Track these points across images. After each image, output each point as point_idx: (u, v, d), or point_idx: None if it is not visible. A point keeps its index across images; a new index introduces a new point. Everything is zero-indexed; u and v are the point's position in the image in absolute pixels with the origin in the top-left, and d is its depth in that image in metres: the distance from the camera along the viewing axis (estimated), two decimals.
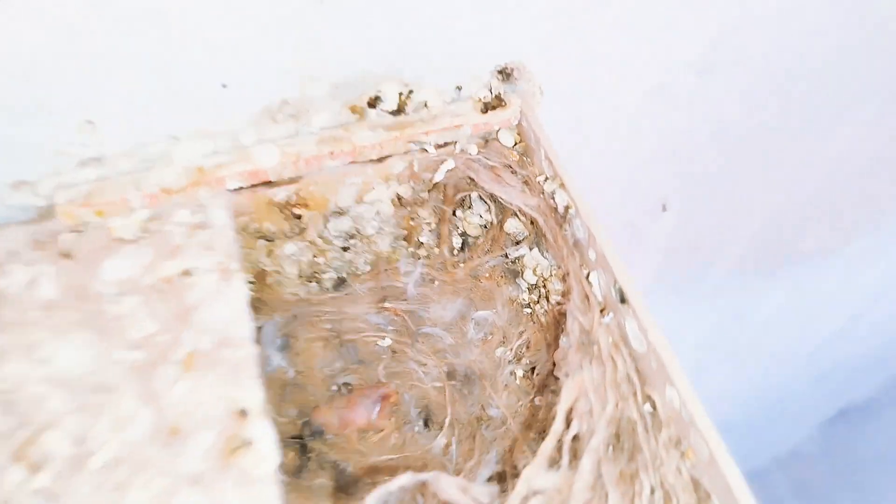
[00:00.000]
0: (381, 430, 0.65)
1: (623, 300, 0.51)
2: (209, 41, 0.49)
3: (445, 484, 0.46)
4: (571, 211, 0.55)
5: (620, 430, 0.49)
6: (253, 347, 0.48)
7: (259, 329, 0.66)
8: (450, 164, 0.60)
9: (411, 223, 0.67)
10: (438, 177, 0.61)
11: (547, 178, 0.58)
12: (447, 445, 0.63)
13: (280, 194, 0.59)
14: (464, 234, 0.67)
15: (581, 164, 0.74)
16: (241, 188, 0.57)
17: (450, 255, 0.68)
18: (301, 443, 0.63)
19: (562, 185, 0.56)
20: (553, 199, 0.57)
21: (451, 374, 0.66)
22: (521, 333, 0.66)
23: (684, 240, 0.92)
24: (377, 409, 0.65)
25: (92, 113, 0.51)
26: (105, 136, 0.53)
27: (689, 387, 0.47)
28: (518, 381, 0.65)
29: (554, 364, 0.62)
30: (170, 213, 0.54)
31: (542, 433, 0.61)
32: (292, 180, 0.59)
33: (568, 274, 0.55)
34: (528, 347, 0.65)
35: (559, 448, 0.48)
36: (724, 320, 1.21)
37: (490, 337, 0.67)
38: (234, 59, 0.51)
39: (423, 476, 0.47)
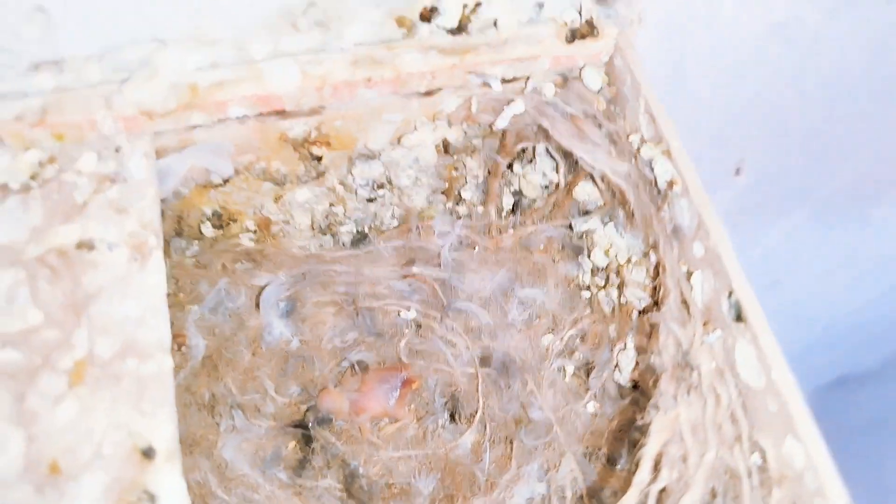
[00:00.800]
0: (398, 420, 0.54)
1: (739, 317, 0.39)
2: None
3: None
4: (676, 188, 0.42)
5: (718, 485, 0.38)
6: (168, 361, 0.35)
7: (261, 290, 0.54)
8: (518, 106, 0.46)
9: (454, 174, 0.53)
10: (501, 122, 0.47)
11: (644, 141, 0.45)
12: (477, 446, 0.53)
13: (296, 128, 0.45)
14: (518, 194, 0.54)
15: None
16: (247, 116, 0.44)
17: (497, 218, 0.55)
18: (304, 432, 0.52)
19: (666, 153, 0.43)
20: (651, 168, 0.44)
21: (485, 361, 0.55)
22: (575, 321, 0.54)
23: (748, 204, 0.80)
24: (396, 395, 0.54)
25: None
26: (64, 31, 0.39)
27: (821, 443, 0.36)
28: (567, 380, 0.54)
29: (637, 380, 0.50)
30: (73, 155, 0.40)
31: (597, 451, 0.50)
32: (314, 111, 0.45)
33: (662, 269, 0.43)
34: (583, 340, 0.54)
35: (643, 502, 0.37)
36: (758, 287, 1.10)
37: (537, 321, 0.55)
38: None
39: None
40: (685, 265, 0.43)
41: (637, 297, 0.48)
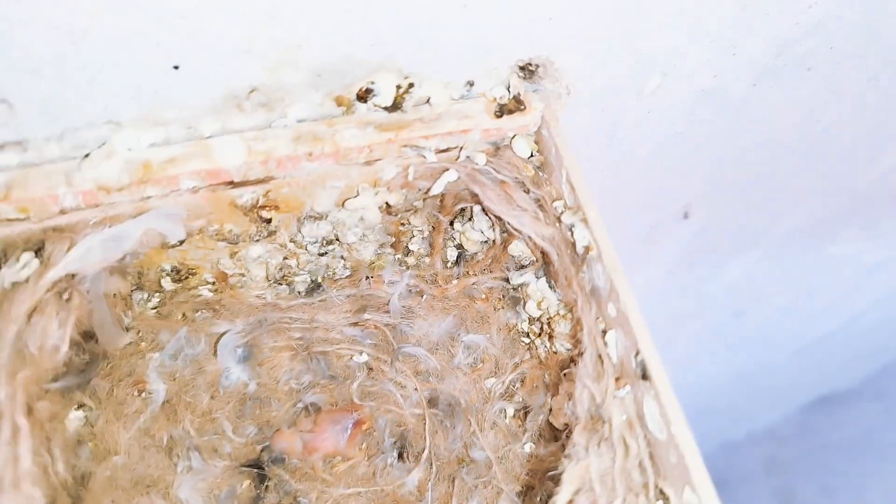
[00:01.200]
0: (350, 459, 0.58)
1: (645, 376, 0.43)
2: (152, 9, 0.38)
3: None
4: (592, 253, 0.46)
5: None
6: None
7: (218, 338, 0.57)
8: (451, 174, 0.50)
9: (400, 229, 0.57)
10: (437, 188, 0.51)
11: (567, 208, 0.48)
12: (423, 483, 0.56)
13: (245, 196, 0.49)
14: (460, 247, 0.58)
15: (602, 166, 0.64)
16: (198, 187, 0.47)
17: (443, 268, 0.59)
18: (259, 471, 0.55)
19: (584, 220, 0.47)
20: (571, 233, 0.48)
21: (432, 402, 0.59)
22: (516, 366, 0.58)
23: (700, 245, 0.84)
24: (347, 435, 0.58)
25: (3, 90, 0.40)
26: (26, 116, 0.43)
27: (713, 493, 0.40)
28: (507, 421, 0.57)
29: (550, 413, 0.54)
30: None
31: (530, 490, 0.53)
32: (260, 181, 0.49)
33: (580, 327, 0.47)
34: (522, 383, 0.57)
35: None
36: (723, 316, 1.14)
37: (480, 365, 0.59)
38: (184, 37, 0.40)
39: None
40: (602, 323, 0.46)
41: (565, 347, 0.52)
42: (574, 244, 0.48)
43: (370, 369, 0.60)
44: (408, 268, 0.60)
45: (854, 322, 1.41)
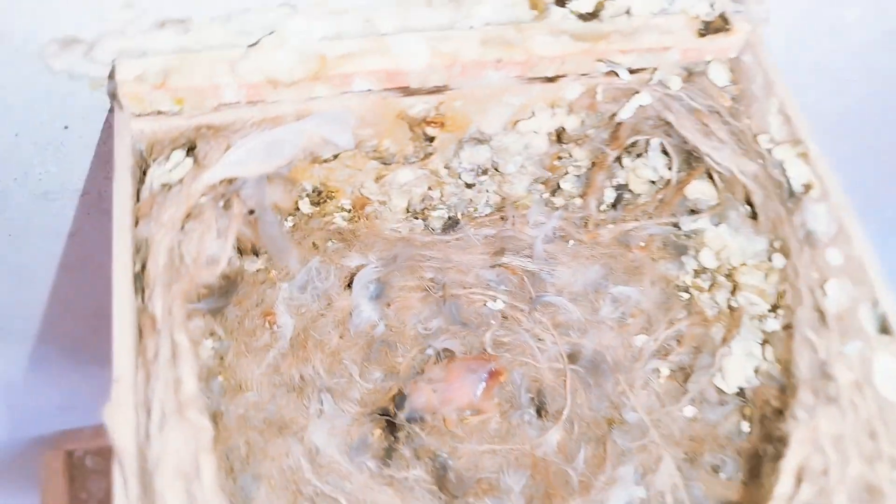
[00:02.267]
0: (483, 413, 0.53)
1: (884, 329, 0.38)
2: None
3: None
4: (813, 193, 0.41)
5: (861, 502, 0.36)
6: None
7: (351, 271, 0.52)
8: (644, 97, 0.45)
9: (556, 163, 0.52)
10: (625, 113, 0.45)
11: (776, 142, 0.43)
12: (563, 444, 0.51)
13: (417, 106, 0.44)
14: (620, 188, 0.53)
15: None
16: (371, 91, 0.42)
17: (596, 211, 0.53)
18: (389, 419, 0.50)
19: (803, 156, 0.41)
20: (783, 170, 0.42)
21: (573, 357, 0.53)
22: (671, 322, 0.53)
23: None
24: (482, 386, 0.52)
25: None
26: None
27: None
28: (662, 381, 0.52)
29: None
30: None
31: (697, 457, 0.49)
32: (437, 89, 0.43)
33: (795, 274, 0.42)
34: (679, 342, 0.52)
35: None
36: None
37: (630, 320, 0.54)
38: None
39: None
40: (817, 273, 0.41)
41: (751, 301, 0.47)
42: (787, 183, 0.43)
43: (505, 318, 0.55)
44: (555, 208, 0.54)
45: None
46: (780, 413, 0.43)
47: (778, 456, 0.39)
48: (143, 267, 0.37)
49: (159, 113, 0.40)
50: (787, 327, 0.43)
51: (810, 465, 0.37)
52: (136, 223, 0.38)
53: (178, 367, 0.35)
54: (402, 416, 0.50)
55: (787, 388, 0.42)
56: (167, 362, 0.35)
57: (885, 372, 0.38)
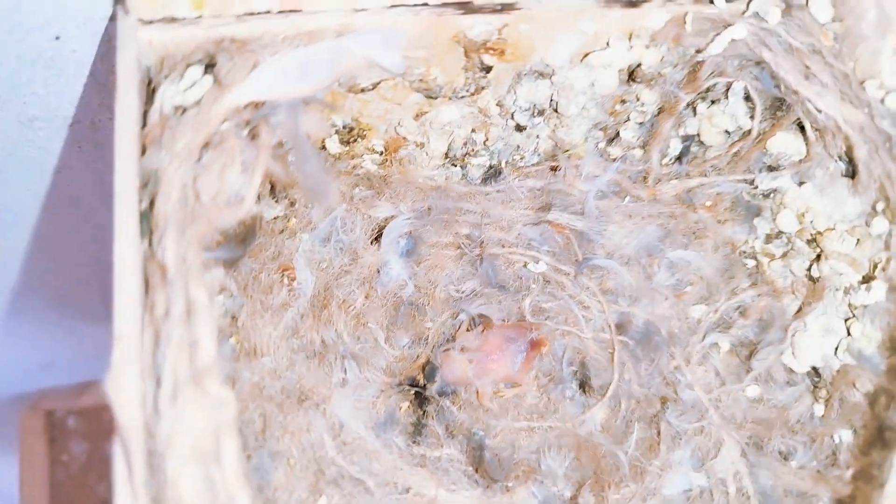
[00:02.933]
0: (518, 385, 0.47)
1: None
2: None
3: None
4: None
5: None
6: None
7: (380, 222, 0.45)
8: (739, 30, 0.38)
9: (618, 107, 0.45)
10: (716, 48, 0.39)
11: (888, 90, 0.37)
12: (608, 423, 0.46)
13: (477, 27, 0.37)
14: (689, 139, 0.46)
15: None
16: (426, 5, 0.35)
17: (658, 165, 0.47)
18: (418, 391, 0.45)
19: None
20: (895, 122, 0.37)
21: (622, 327, 0.48)
22: (734, 292, 0.47)
23: None
24: (521, 358, 0.47)
25: None
26: None
27: None
28: (721, 357, 0.47)
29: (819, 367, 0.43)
30: None
31: (762, 442, 0.44)
32: (502, 8, 0.36)
33: None
34: (742, 314, 0.47)
35: None
36: None
37: (688, 288, 0.48)
38: None
39: None
40: None
41: (838, 271, 0.41)
42: (893, 137, 0.37)
43: (547, 282, 0.49)
44: (612, 160, 0.48)
45: None
46: (873, 399, 0.38)
47: (871, 444, 0.34)
48: (152, 204, 0.31)
49: (173, 20, 0.33)
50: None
51: None
52: (144, 152, 0.31)
53: (195, 328, 0.29)
54: (432, 389, 0.44)
55: (884, 371, 0.37)
56: (180, 320, 0.29)
57: None
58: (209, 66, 0.33)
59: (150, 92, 0.33)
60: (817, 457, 0.41)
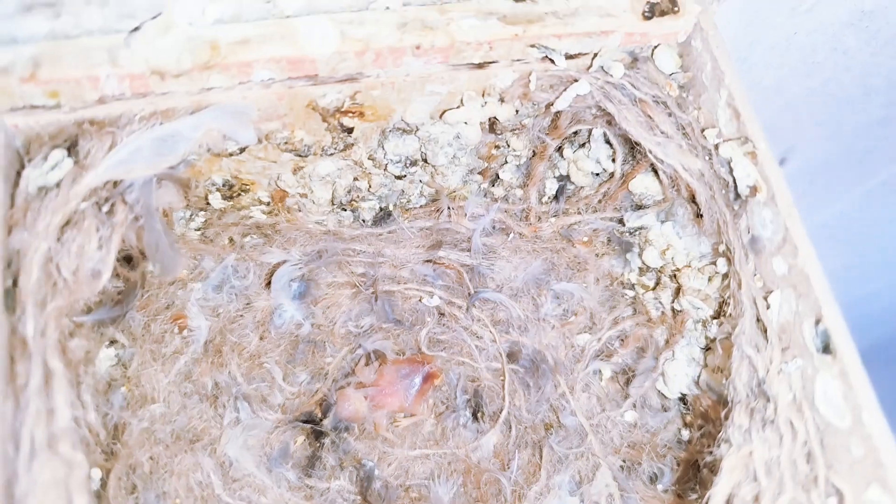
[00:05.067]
0: (413, 415, 0.50)
1: (827, 349, 0.35)
2: None
3: None
4: (760, 196, 0.38)
5: None
6: None
7: (272, 268, 0.48)
8: (582, 86, 0.41)
9: (493, 152, 0.48)
10: (562, 103, 0.42)
11: (725, 138, 0.40)
12: (500, 448, 0.49)
13: (329, 96, 0.39)
14: (563, 179, 0.49)
15: None
16: (273, 80, 0.37)
17: (537, 203, 0.50)
18: (314, 426, 0.47)
19: (751, 155, 0.38)
20: (730, 169, 0.39)
21: (512, 356, 0.51)
22: (616, 321, 0.50)
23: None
24: (415, 390, 0.50)
25: None
26: None
27: None
28: (603, 384, 0.49)
29: (686, 394, 0.46)
30: None
31: (635, 466, 0.46)
32: (350, 78, 0.39)
33: (738, 284, 0.39)
34: (622, 342, 0.49)
35: None
36: None
37: (572, 318, 0.51)
38: None
39: None
40: (760, 281, 0.38)
41: (695, 305, 0.44)
42: (733, 184, 0.39)
43: (441, 315, 0.52)
44: (495, 200, 0.51)
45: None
46: (716, 423, 0.41)
47: (713, 472, 0.36)
48: (15, 283, 0.34)
49: (33, 107, 0.35)
50: (729, 336, 0.40)
51: (741, 493, 0.34)
52: (9, 232, 0.34)
53: (52, 397, 0.32)
54: (327, 425, 0.47)
55: (723, 401, 0.40)
56: (38, 390, 0.32)
57: (826, 393, 0.35)
58: (71, 148, 0.36)
59: (17, 174, 0.36)
60: (679, 481, 0.44)
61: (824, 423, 0.35)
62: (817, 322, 0.35)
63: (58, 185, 0.35)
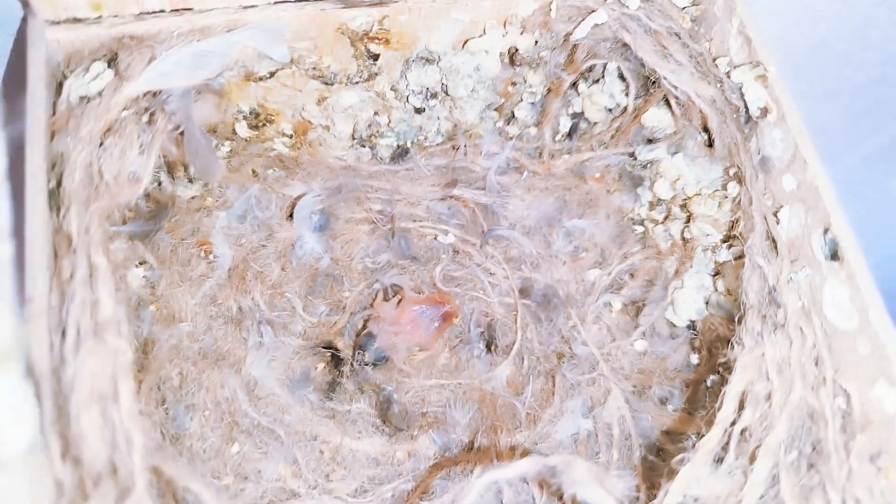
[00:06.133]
0: (428, 350, 0.51)
1: (835, 256, 0.37)
2: None
3: (580, 475, 0.33)
4: (770, 117, 0.40)
5: (803, 428, 0.36)
6: (6, 247, 0.29)
7: (293, 200, 0.50)
8: (600, 16, 0.42)
9: (510, 89, 0.49)
10: (580, 33, 0.43)
11: (735, 65, 0.41)
12: (513, 379, 0.50)
13: (358, 19, 0.41)
14: (577, 116, 0.51)
15: None
16: (307, 1, 0.39)
17: (551, 141, 0.52)
18: (334, 353, 0.49)
19: (762, 79, 0.40)
20: (741, 94, 0.41)
21: (524, 292, 0.52)
22: (625, 256, 0.52)
23: None
24: (434, 328, 0.51)
25: None
26: None
27: None
28: (614, 316, 0.51)
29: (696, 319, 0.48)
30: None
31: (646, 390, 0.48)
32: (380, 2, 0.40)
33: (749, 202, 0.40)
34: (632, 276, 0.51)
35: (726, 443, 0.35)
36: None
37: (583, 254, 0.52)
38: None
39: (552, 461, 0.34)
40: (770, 199, 0.40)
41: (704, 232, 0.45)
42: (744, 108, 0.41)
43: (456, 252, 0.53)
44: (510, 138, 0.52)
45: None
46: (727, 342, 0.43)
47: (723, 383, 0.38)
48: (59, 184, 0.35)
49: (76, 20, 0.37)
50: (739, 257, 0.42)
51: (754, 390, 0.36)
52: (52, 137, 0.36)
53: (96, 289, 0.33)
54: (368, 357, 0.48)
55: (735, 318, 0.41)
56: (83, 283, 0.33)
57: (834, 299, 0.37)
58: (111, 61, 0.37)
59: (59, 85, 0.37)
60: (688, 400, 0.46)
61: (831, 328, 0.37)
62: (825, 231, 0.37)
63: (99, 94, 0.36)
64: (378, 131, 0.50)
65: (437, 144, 0.52)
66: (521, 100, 0.50)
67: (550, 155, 0.52)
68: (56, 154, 0.35)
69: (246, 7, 0.38)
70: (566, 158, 0.51)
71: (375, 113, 0.49)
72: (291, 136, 0.48)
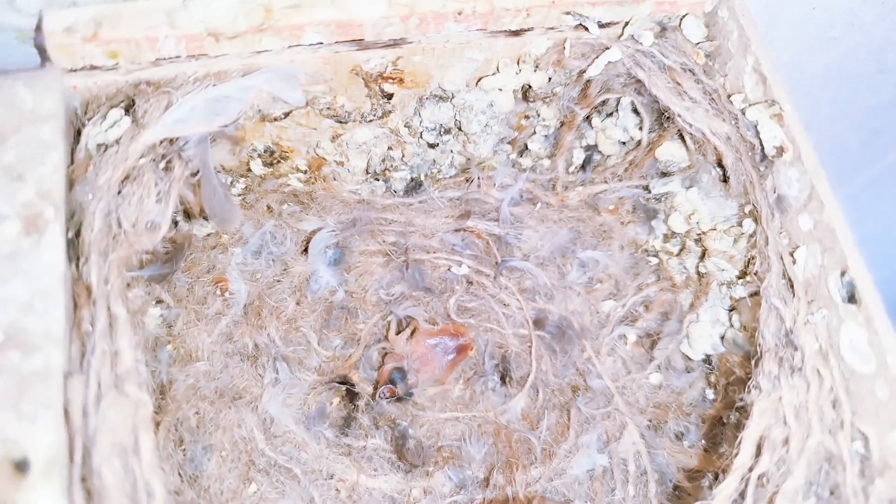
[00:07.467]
0: (442, 384, 0.51)
1: (853, 299, 0.37)
2: None
3: None
4: (787, 156, 0.39)
5: (821, 472, 0.36)
6: (58, 356, 0.31)
7: (308, 235, 0.50)
8: (614, 53, 0.42)
9: (523, 122, 0.49)
10: (594, 70, 0.43)
11: (750, 102, 0.41)
12: (527, 412, 0.50)
13: (372, 61, 0.41)
14: (590, 149, 0.51)
15: None
16: (321, 44, 0.39)
17: (564, 173, 0.52)
18: (349, 388, 0.49)
19: (777, 117, 0.40)
20: (756, 132, 0.41)
21: (539, 323, 0.52)
22: (640, 288, 0.51)
23: None
24: (448, 360, 0.51)
25: None
26: None
27: None
28: (628, 348, 0.51)
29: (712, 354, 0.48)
30: None
31: (662, 424, 0.48)
32: (394, 43, 0.40)
33: (765, 241, 0.40)
34: (646, 308, 0.51)
35: (743, 489, 0.35)
36: None
37: (598, 285, 0.52)
38: None
39: None
40: (786, 238, 0.40)
41: (720, 267, 0.45)
42: (759, 146, 0.41)
43: (469, 283, 0.53)
44: (523, 170, 0.52)
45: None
46: (743, 381, 0.43)
47: (740, 425, 0.38)
48: (78, 233, 0.35)
49: (93, 67, 0.37)
50: (755, 294, 0.42)
51: (771, 435, 0.36)
52: (71, 187, 0.36)
53: (116, 339, 0.33)
54: (401, 390, 0.48)
55: (751, 356, 0.41)
56: (103, 334, 0.33)
57: (852, 342, 0.37)
58: (128, 108, 0.37)
59: (76, 132, 0.37)
60: (706, 437, 0.46)
61: (849, 370, 0.37)
62: (843, 273, 0.37)
63: (117, 142, 0.36)
64: (392, 165, 0.50)
65: (451, 177, 0.52)
66: (535, 132, 0.50)
67: (564, 186, 0.52)
68: (75, 203, 0.35)
69: (260, 52, 0.38)
70: (580, 190, 0.51)
71: (389, 148, 0.49)
72: (306, 172, 0.49)
